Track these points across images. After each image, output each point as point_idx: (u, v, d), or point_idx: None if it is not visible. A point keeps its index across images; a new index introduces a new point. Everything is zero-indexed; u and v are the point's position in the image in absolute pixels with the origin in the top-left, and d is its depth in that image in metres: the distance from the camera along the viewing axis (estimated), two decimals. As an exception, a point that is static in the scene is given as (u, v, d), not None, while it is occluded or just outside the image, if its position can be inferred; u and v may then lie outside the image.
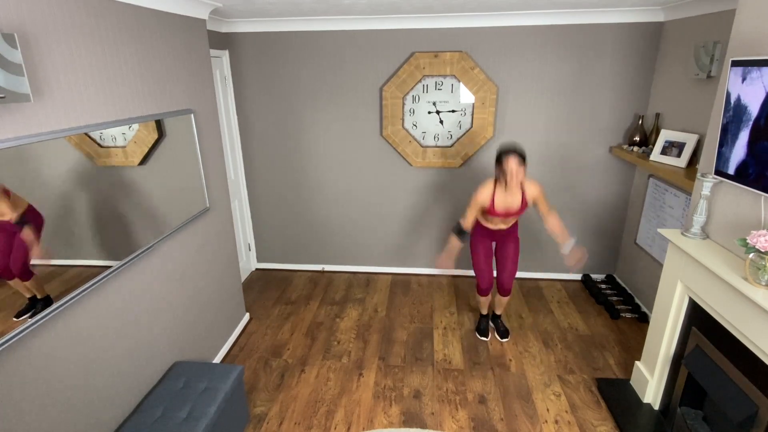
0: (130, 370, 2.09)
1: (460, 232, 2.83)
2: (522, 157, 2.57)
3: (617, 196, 3.75)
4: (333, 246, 4.24)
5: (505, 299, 3.14)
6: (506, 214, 2.75)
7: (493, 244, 3.02)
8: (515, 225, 2.94)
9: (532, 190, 2.70)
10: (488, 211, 2.76)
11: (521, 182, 2.68)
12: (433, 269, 4.19)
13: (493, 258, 3.03)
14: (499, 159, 2.60)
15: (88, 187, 1.80)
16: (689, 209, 2.28)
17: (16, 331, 1.46)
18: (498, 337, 3.23)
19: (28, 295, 1.52)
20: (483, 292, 3.08)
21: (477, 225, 2.96)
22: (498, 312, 3.26)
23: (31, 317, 1.52)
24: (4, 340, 1.41)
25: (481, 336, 3.25)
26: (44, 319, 1.57)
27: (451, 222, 3.99)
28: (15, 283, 1.48)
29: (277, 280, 4.15)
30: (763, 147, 1.71)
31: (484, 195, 2.71)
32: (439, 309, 3.63)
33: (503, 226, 2.88)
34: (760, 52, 1.82)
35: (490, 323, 3.35)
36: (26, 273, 1.52)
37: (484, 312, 3.26)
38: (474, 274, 3.02)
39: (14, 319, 1.47)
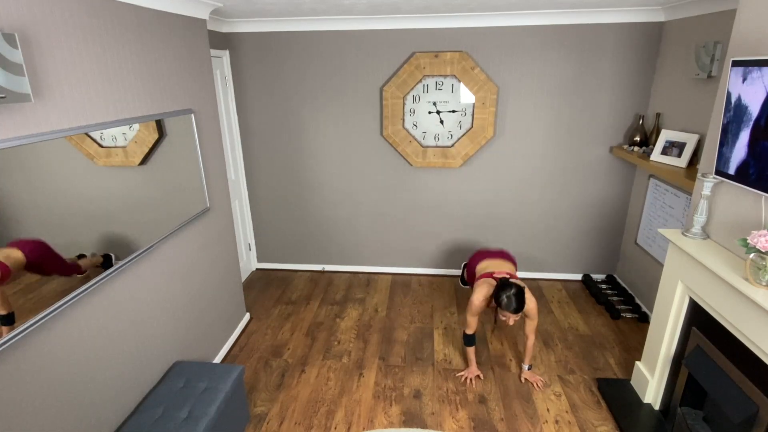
0: (131, 370, 2.09)
1: (468, 340, 2.78)
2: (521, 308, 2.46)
3: (618, 196, 3.75)
4: (333, 246, 4.24)
5: None
6: None
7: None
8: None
9: (530, 305, 2.60)
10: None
11: None
12: (434, 269, 4.19)
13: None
14: (499, 303, 2.47)
15: (88, 187, 1.80)
16: (690, 209, 2.28)
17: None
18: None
19: None
20: None
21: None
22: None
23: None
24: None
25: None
26: (44, 319, 1.57)
27: (451, 222, 3.99)
28: None
29: (278, 280, 4.15)
30: (763, 147, 1.71)
31: (480, 302, 2.63)
32: (440, 309, 3.62)
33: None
34: (761, 52, 1.82)
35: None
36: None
37: None
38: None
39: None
